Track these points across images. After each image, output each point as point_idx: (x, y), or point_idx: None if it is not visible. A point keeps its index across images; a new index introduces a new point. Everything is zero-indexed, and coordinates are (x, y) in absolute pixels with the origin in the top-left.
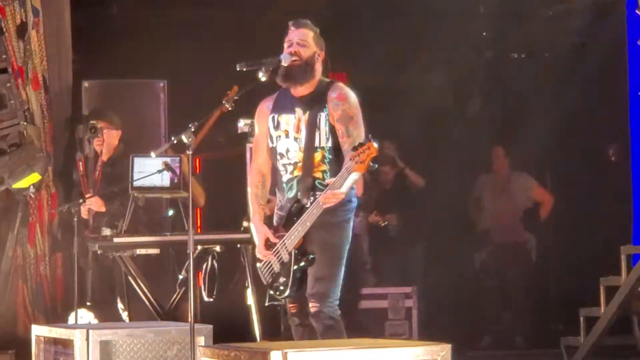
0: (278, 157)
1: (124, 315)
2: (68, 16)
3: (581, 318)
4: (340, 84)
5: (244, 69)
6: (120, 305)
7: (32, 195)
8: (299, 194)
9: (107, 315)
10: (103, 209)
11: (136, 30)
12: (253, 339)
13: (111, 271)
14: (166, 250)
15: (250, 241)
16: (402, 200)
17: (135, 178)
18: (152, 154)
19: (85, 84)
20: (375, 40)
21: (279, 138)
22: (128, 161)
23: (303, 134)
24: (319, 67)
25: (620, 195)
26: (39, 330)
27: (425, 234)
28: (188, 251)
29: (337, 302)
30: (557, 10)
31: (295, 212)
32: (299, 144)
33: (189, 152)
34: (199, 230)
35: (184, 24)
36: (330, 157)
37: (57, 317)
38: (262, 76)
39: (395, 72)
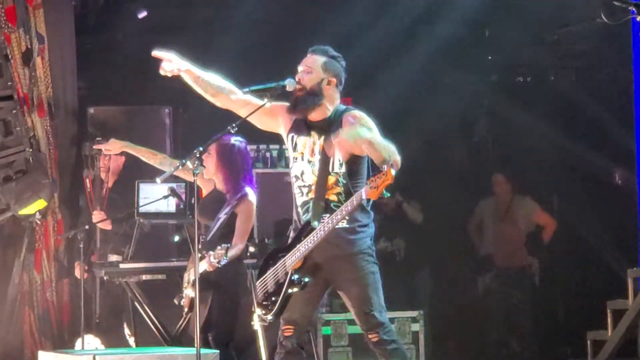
0: (294, 179)
1: (131, 340)
2: (73, 43)
3: (588, 342)
4: (357, 112)
5: (249, 94)
6: (127, 331)
7: (38, 222)
8: (310, 216)
9: (113, 340)
10: (109, 227)
11: (141, 57)
12: None
13: (118, 297)
14: (172, 276)
15: (256, 265)
16: (406, 225)
17: (140, 204)
18: (158, 180)
19: (91, 110)
20: (379, 64)
21: (295, 160)
22: (133, 187)
23: (317, 158)
24: (329, 93)
25: (626, 218)
26: (45, 357)
27: (430, 258)
28: (194, 277)
29: (391, 326)
30: (562, 34)
31: (303, 233)
32: (313, 168)
33: (194, 178)
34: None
35: (188, 50)
36: (344, 181)
37: (63, 343)
38: (266, 101)
39: (400, 97)
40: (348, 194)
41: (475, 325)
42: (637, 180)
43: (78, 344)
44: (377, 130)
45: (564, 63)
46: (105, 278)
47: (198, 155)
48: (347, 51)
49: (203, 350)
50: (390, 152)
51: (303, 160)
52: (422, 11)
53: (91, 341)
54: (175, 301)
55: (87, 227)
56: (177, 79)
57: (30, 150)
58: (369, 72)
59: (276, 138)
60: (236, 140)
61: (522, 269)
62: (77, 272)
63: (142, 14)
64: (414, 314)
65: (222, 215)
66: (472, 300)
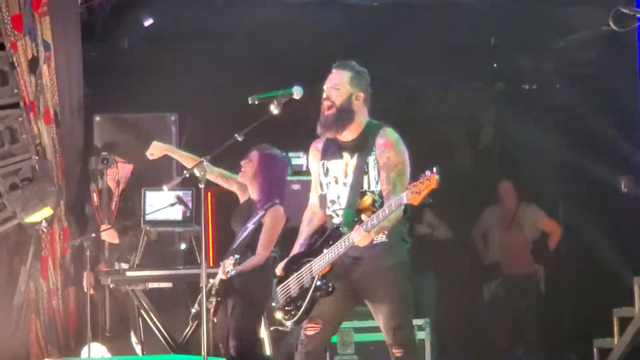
0: (329, 204)
1: (138, 348)
2: (79, 50)
3: (595, 349)
4: (388, 130)
5: (256, 102)
6: (133, 339)
7: (45, 230)
8: (341, 223)
9: (120, 348)
10: (117, 241)
11: (147, 64)
12: None
13: (125, 305)
14: (179, 284)
15: None
16: (411, 232)
17: (147, 212)
18: (164, 188)
19: (97, 117)
20: (386, 71)
21: (328, 185)
22: (140, 195)
23: (350, 178)
24: (359, 109)
25: (632, 225)
26: None
27: (435, 265)
28: (201, 285)
29: (427, 334)
30: (567, 41)
31: (332, 237)
32: (348, 188)
33: (201, 186)
34: (211, 264)
35: (195, 57)
36: (380, 200)
37: (70, 351)
38: (274, 109)
39: (407, 104)
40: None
41: (481, 333)
42: None
43: (84, 352)
44: (405, 157)
45: (570, 71)
46: (111, 286)
47: (205, 164)
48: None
49: (210, 359)
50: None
51: (338, 184)
52: (428, 19)
53: (97, 349)
54: (193, 309)
55: (93, 235)
56: (184, 86)
57: (37, 157)
58: (375, 80)
59: (284, 145)
60: (279, 152)
61: (529, 276)
62: (85, 283)
63: (148, 22)
64: (419, 321)
65: (250, 225)
66: (478, 307)
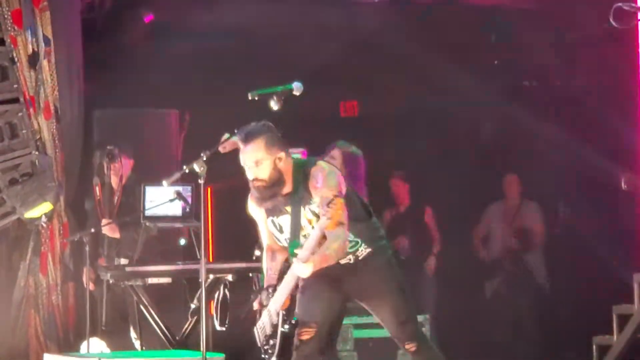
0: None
1: (137, 344)
2: (80, 45)
3: (594, 346)
4: (316, 168)
5: (256, 98)
6: (133, 334)
7: (44, 225)
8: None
9: (119, 343)
10: (117, 236)
11: (148, 60)
12: None
13: (124, 300)
14: (178, 280)
15: (261, 269)
16: (412, 228)
17: (147, 207)
18: (164, 183)
19: (97, 113)
20: (386, 68)
21: (287, 240)
22: (140, 190)
23: (306, 227)
24: (285, 166)
25: (632, 223)
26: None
27: (437, 262)
28: (200, 280)
29: (427, 331)
30: (569, 38)
31: (284, 271)
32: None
33: (201, 182)
34: (210, 259)
35: (195, 53)
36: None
37: (69, 346)
38: (273, 105)
39: (407, 101)
40: (354, 226)
41: (481, 330)
42: None
43: (83, 347)
44: (338, 187)
45: (571, 67)
46: (110, 281)
47: (205, 159)
48: (355, 56)
49: (209, 354)
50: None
51: (304, 230)
52: (429, 16)
53: (97, 344)
54: (192, 305)
55: (93, 230)
56: (184, 82)
57: (37, 153)
58: (377, 77)
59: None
60: (356, 149)
61: (530, 273)
62: (85, 278)
63: (149, 18)
64: (419, 318)
65: None
66: (479, 304)
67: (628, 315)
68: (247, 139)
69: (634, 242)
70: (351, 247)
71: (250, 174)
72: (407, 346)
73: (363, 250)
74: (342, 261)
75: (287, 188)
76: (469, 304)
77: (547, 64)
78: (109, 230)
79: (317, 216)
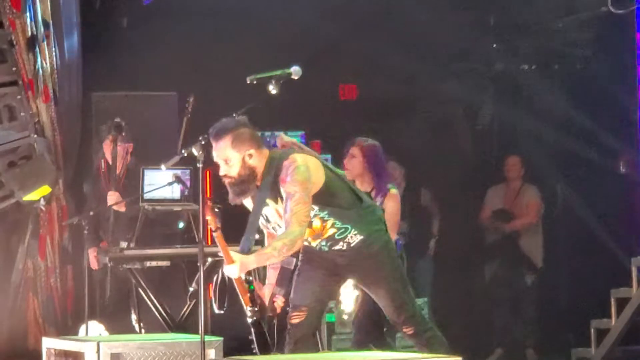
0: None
1: (137, 327)
2: (78, 28)
3: (592, 330)
4: (289, 161)
5: (254, 82)
6: (134, 317)
7: (43, 208)
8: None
9: (118, 327)
10: (123, 209)
11: (146, 43)
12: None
13: (125, 283)
14: (177, 263)
15: None
16: (411, 211)
17: (145, 190)
18: (163, 167)
19: (96, 96)
20: (385, 51)
21: (275, 229)
22: (140, 173)
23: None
24: (256, 161)
25: (630, 207)
26: (49, 343)
27: (435, 245)
28: (198, 263)
29: (425, 314)
30: (567, 21)
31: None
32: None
33: (199, 165)
34: (209, 243)
35: (194, 35)
36: (324, 213)
37: (67, 329)
38: (272, 89)
39: (406, 84)
40: (340, 217)
41: (479, 313)
42: None
43: (82, 330)
44: (303, 184)
45: (569, 51)
46: (110, 264)
47: (203, 143)
48: (354, 38)
49: (207, 337)
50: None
51: (278, 221)
52: None
53: (95, 327)
54: (191, 288)
55: (91, 213)
56: (183, 65)
57: (35, 136)
58: (374, 60)
59: (280, 124)
60: (372, 140)
61: (524, 257)
62: (91, 259)
63: (148, 0)
64: (418, 301)
65: None
66: (476, 287)
67: (626, 299)
68: (216, 136)
69: (633, 226)
70: (340, 234)
71: (220, 171)
72: (404, 329)
73: (353, 236)
74: (335, 247)
75: (258, 181)
76: (467, 286)
77: (546, 48)
78: (114, 199)
79: None
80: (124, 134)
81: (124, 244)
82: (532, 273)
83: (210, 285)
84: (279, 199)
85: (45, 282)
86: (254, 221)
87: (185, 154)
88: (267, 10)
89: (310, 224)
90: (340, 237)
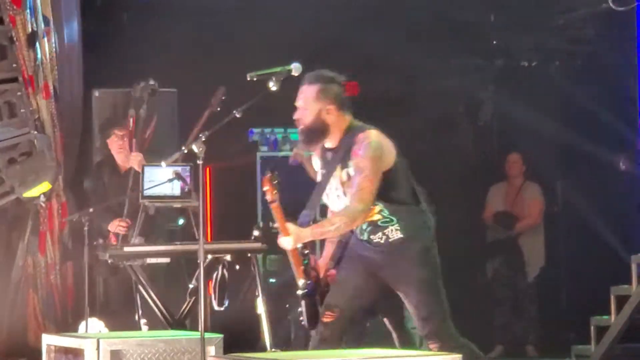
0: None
1: (142, 322)
2: (78, 25)
3: (592, 327)
4: (364, 135)
5: (255, 79)
6: (138, 314)
7: (43, 204)
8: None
9: (118, 323)
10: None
11: (147, 39)
12: (263, 349)
13: (129, 279)
14: (177, 259)
15: (260, 250)
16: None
17: (145, 187)
18: (163, 164)
19: (96, 93)
20: (386, 47)
21: (327, 196)
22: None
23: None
24: (333, 120)
25: (630, 204)
26: (49, 340)
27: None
28: (198, 260)
29: (453, 331)
30: (567, 18)
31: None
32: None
33: (200, 162)
34: (209, 239)
35: (195, 31)
36: (386, 211)
37: (67, 326)
38: (272, 86)
39: (407, 80)
40: (391, 207)
41: (480, 310)
42: None
43: (82, 327)
44: (374, 162)
45: (570, 48)
46: (109, 261)
47: (203, 140)
48: (355, 35)
49: (207, 334)
50: (347, 215)
51: (337, 191)
52: None
53: (95, 324)
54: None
55: (91, 210)
56: (183, 61)
57: (35, 132)
58: (374, 56)
59: (280, 121)
60: None
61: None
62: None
63: None
64: None
65: None
66: (478, 285)
67: (626, 296)
68: (307, 80)
69: (633, 223)
70: (383, 223)
71: (295, 114)
72: (429, 344)
73: (394, 232)
74: (374, 237)
75: (331, 143)
76: (469, 284)
77: (546, 44)
78: (138, 164)
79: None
80: (156, 96)
81: (137, 240)
82: (534, 270)
83: (210, 282)
84: (346, 170)
85: (45, 278)
86: (317, 195)
87: (186, 151)
88: (268, 7)
89: None
90: (382, 225)
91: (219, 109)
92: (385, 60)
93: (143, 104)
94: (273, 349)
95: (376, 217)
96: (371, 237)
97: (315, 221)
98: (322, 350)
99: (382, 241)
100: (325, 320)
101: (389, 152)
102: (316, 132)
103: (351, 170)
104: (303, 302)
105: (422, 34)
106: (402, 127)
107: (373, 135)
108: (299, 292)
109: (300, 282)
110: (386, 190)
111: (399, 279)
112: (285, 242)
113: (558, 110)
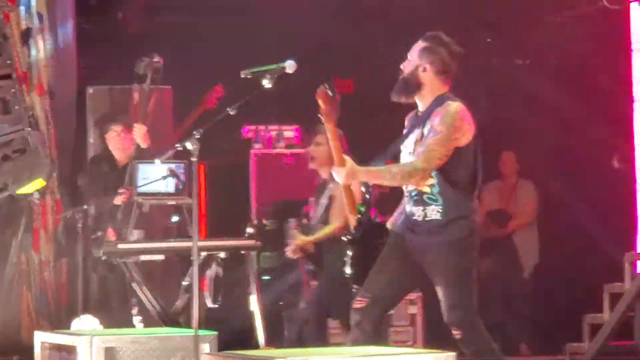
0: None
1: (137, 320)
2: (73, 22)
3: (585, 325)
4: (451, 103)
5: (249, 76)
6: (134, 311)
7: (37, 201)
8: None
9: (116, 320)
10: (145, 144)
11: (141, 36)
12: (257, 346)
13: (124, 276)
14: (171, 257)
15: (254, 247)
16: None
17: (139, 184)
18: (157, 161)
19: (90, 90)
20: (381, 45)
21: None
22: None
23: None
24: (427, 81)
25: (623, 202)
26: (43, 337)
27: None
28: (192, 257)
29: (479, 324)
30: (563, 16)
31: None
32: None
33: (194, 159)
34: (203, 237)
35: (189, 29)
36: (436, 171)
37: (61, 323)
38: (266, 83)
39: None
40: (443, 186)
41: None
42: (634, 164)
43: (75, 323)
44: (451, 130)
45: (564, 46)
46: (103, 258)
47: (197, 137)
48: (351, 32)
49: (201, 331)
50: (407, 170)
51: (409, 148)
52: None
53: (89, 321)
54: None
55: (85, 207)
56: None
57: (29, 129)
58: (370, 54)
59: (274, 119)
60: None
61: (517, 254)
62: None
63: None
64: (411, 296)
65: (323, 200)
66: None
67: (619, 294)
68: (422, 37)
69: (626, 221)
70: (427, 198)
71: (402, 64)
72: (453, 331)
73: (433, 212)
74: (416, 210)
75: (421, 105)
76: None
77: (541, 42)
78: (140, 134)
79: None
80: (160, 74)
81: (137, 233)
82: (528, 268)
83: (204, 279)
84: (421, 129)
85: (39, 275)
86: (395, 145)
87: (180, 148)
88: (263, 4)
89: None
90: (426, 200)
91: (215, 106)
92: (380, 58)
93: (146, 79)
94: (266, 346)
95: (426, 189)
96: (413, 209)
97: None
98: (357, 341)
99: (420, 219)
100: (355, 305)
101: (468, 130)
102: (408, 85)
103: (427, 130)
104: (348, 248)
105: (417, 32)
106: (397, 125)
107: (459, 107)
108: (344, 237)
109: (352, 227)
110: (450, 169)
111: (430, 265)
112: (338, 173)
113: (552, 108)
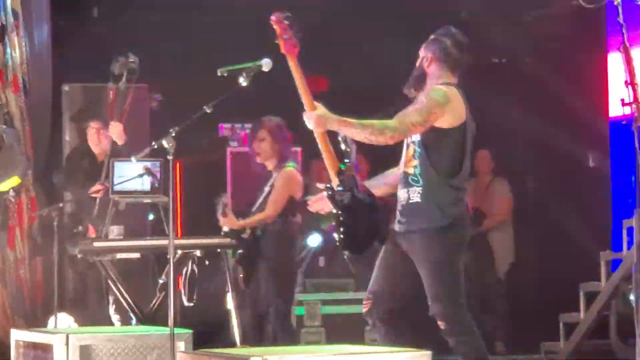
0: None
1: (115, 318)
2: (48, 19)
3: (561, 324)
4: (435, 86)
5: (225, 74)
6: (111, 309)
7: (12, 199)
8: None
9: (92, 319)
10: (121, 142)
11: (117, 34)
12: (233, 344)
13: (100, 274)
14: (146, 255)
15: (230, 245)
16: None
17: (115, 182)
18: (133, 159)
19: (66, 87)
20: (355, 44)
21: None
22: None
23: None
24: (430, 72)
25: (599, 201)
26: (18, 335)
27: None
28: (168, 256)
29: (463, 317)
30: (537, 15)
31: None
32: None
33: (170, 157)
34: (179, 235)
35: (165, 27)
36: (419, 150)
37: (36, 321)
38: (242, 81)
39: (376, 76)
40: (425, 167)
41: None
42: (611, 163)
43: (51, 322)
44: (431, 103)
45: (540, 45)
46: (79, 256)
47: (173, 135)
48: (326, 29)
49: (177, 330)
50: (376, 127)
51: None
52: None
53: (65, 319)
54: (160, 280)
55: (61, 205)
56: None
57: (4, 126)
58: (347, 51)
59: (251, 116)
60: (278, 118)
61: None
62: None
63: None
64: None
65: (265, 188)
66: None
67: (595, 293)
68: (436, 31)
69: (601, 220)
70: (412, 179)
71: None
72: (438, 322)
73: (415, 195)
74: (401, 193)
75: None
76: None
77: (517, 41)
78: (117, 134)
79: None
80: (135, 76)
81: (117, 229)
82: (503, 267)
83: (180, 277)
84: None
85: (14, 273)
86: None
87: (156, 146)
88: (239, 1)
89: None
90: (410, 182)
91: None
92: (358, 56)
93: (122, 78)
94: (242, 345)
95: (410, 170)
96: (400, 192)
97: None
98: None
99: (405, 202)
100: (363, 310)
101: (451, 111)
102: (415, 77)
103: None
104: (339, 216)
105: (396, 30)
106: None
107: (449, 88)
108: (325, 193)
109: (334, 183)
110: (432, 150)
111: (413, 254)
112: (308, 118)
113: (528, 107)
